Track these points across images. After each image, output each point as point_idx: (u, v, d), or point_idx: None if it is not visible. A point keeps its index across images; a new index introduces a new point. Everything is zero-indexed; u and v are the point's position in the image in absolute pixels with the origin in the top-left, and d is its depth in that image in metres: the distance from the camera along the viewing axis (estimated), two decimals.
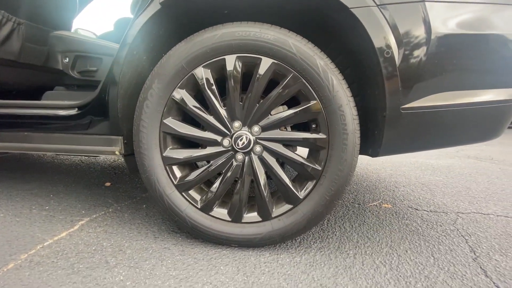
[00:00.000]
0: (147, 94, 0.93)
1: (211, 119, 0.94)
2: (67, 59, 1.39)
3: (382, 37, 0.81)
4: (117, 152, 1.07)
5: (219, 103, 0.93)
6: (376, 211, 1.36)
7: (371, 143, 0.97)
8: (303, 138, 0.92)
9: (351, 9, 0.81)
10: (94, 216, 1.22)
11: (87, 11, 2.39)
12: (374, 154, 0.98)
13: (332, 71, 0.86)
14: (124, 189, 1.60)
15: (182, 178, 0.97)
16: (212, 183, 0.98)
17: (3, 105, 1.19)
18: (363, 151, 1.04)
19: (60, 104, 1.14)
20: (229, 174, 0.95)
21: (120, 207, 1.33)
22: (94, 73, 1.38)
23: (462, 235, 1.12)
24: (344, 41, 0.94)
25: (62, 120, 1.11)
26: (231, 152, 0.95)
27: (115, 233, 1.06)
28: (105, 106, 1.04)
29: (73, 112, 1.11)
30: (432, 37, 0.81)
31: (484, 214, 1.35)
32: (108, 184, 1.68)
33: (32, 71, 1.65)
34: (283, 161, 0.98)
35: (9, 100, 1.21)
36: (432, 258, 0.94)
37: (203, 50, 0.89)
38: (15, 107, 1.17)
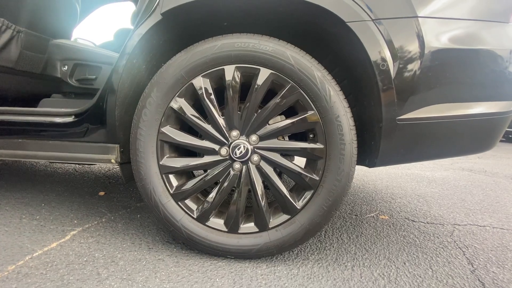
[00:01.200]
0: (146, 102, 0.93)
1: (209, 128, 0.94)
2: (66, 67, 1.39)
3: (378, 50, 0.83)
4: (113, 160, 1.05)
5: (217, 112, 0.93)
6: (373, 222, 1.35)
7: (368, 154, 0.98)
8: (300, 148, 0.92)
9: (348, 23, 0.83)
10: (87, 226, 1.19)
11: (87, 21, 2.42)
12: (371, 165, 0.98)
13: (329, 82, 0.87)
14: (118, 199, 1.57)
15: (178, 187, 0.96)
16: (209, 193, 0.97)
17: None
18: (360, 162, 1.05)
19: (56, 111, 1.13)
20: (226, 183, 0.94)
21: (114, 217, 1.30)
22: (92, 81, 1.39)
23: (459, 247, 1.11)
24: (341, 54, 0.96)
25: (58, 128, 1.10)
26: (229, 161, 0.94)
27: (108, 244, 1.03)
28: (103, 114, 1.04)
29: (69, 119, 1.10)
30: (426, 51, 0.84)
31: (480, 226, 1.35)
32: (102, 193, 1.64)
33: (30, 79, 1.65)
34: (280, 170, 0.97)
35: (4, 107, 1.20)
36: (431, 270, 0.93)
37: (203, 60, 0.90)
38: (10, 114, 1.15)
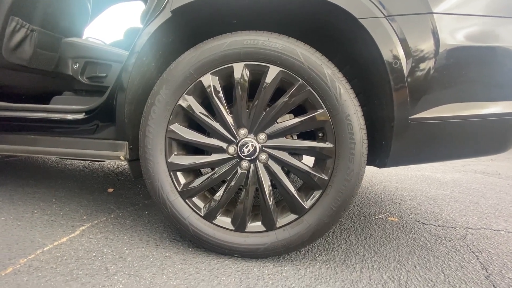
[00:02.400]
0: (155, 99, 0.93)
1: (217, 126, 0.94)
2: (77, 64, 1.41)
3: (391, 48, 0.81)
4: (122, 157, 1.06)
5: (226, 110, 0.93)
6: (382, 224, 1.32)
7: (378, 154, 0.96)
8: (309, 147, 0.91)
9: (360, 20, 0.82)
10: (96, 222, 1.20)
11: (98, 20, 2.45)
12: (381, 165, 0.96)
13: (339, 80, 0.86)
14: (127, 196, 1.58)
15: (186, 184, 0.96)
16: (216, 191, 0.96)
17: (12, 108, 1.20)
18: (370, 162, 1.03)
19: (68, 108, 1.15)
20: (233, 182, 0.93)
21: (122, 213, 1.32)
22: (103, 79, 1.40)
23: (472, 252, 1.08)
24: (352, 51, 0.94)
25: (69, 124, 1.12)
26: (236, 159, 0.94)
27: (116, 240, 1.04)
28: (112, 111, 1.05)
29: (80, 116, 1.12)
30: (441, 49, 0.81)
31: (494, 230, 1.31)
32: (110, 190, 1.67)
33: (42, 77, 1.68)
34: (288, 169, 0.96)
35: (18, 104, 1.22)
36: (443, 274, 0.91)
37: (212, 58, 0.90)
38: (23, 111, 1.18)
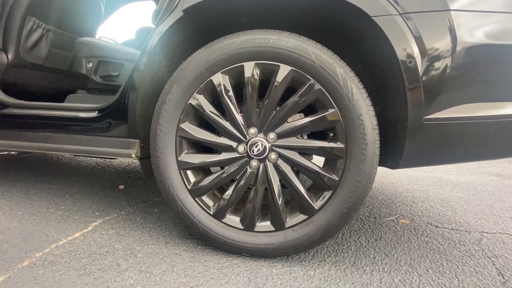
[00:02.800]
0: (166, 98, 0.94)
1: (227, 124, 0.94)
2: (91, 64, 1.44)
3: (405, 46, 0.79)
4: (133, 155, 1.08)
5: (236, 109, 0.93)
6: (393, 226, 1.30)
7: (391, 154, 0.94)
8: (319, 147, 0.90)
9: (373, 18, 0.80)
10: (108, 218, 1.23)
11: (110, 20, 2.50)
12: (393, 166, 0.94)
13: (351, 80, 0.84)
14: (137, 192, 1.61)
15: (196, 183, 0.97)
16: (226, 190, 0.97)
17: (28, 106, 1.24)
18: (382, 162, 1.01)
19: (81, 106, 1.17)
20: (243, 181, 0.93)
21: (133, 210, 1.34)
22: (115, 78, 1.43)
23: (488, 257, 1.04)
24: (365, 50, 0.93)
25: (82, 122, 1.14)
26: (246, 158, 0.94)
27: (127, 236, 1.06)
28: (124, 109, 1.07)
29: (93, 114, 1.14)
30: (458, 47, 0.79)
31: (511, 235, 1.26)
32: (122, 187, 1.70)
33: (57, 75, 1.73)
34: (298, 169, 0.96)
35: (33, 102, 1.26)
36: (456, 280, 0.88)
37: (222, 57, 0.90)
38: (39, 109, 1.21)
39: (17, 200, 1.38)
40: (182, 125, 0.95)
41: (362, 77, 0.90)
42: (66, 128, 1.16)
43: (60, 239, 1.01)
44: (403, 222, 1.35)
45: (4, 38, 1.39)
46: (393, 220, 1.38)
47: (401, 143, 0.87)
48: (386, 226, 1.29)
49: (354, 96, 0.84)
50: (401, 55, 0.80)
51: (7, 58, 1.42)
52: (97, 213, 1.27)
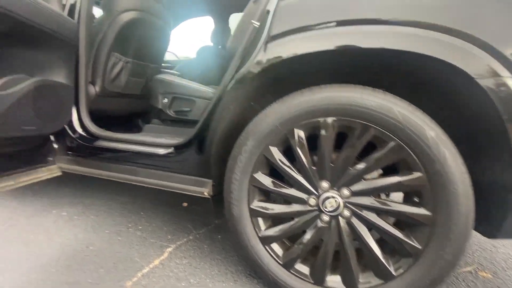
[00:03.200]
0: (241, 149, 0.98)
1: (299, 177, 0.94)
2: (166, 99, 1.57)
3: None
4: (205, 194, 1.15)
5: (309, 163, 0.92)
6: (472, 280, 1.17)
7: (487, 223, 0.84)
8: (400, 211, 0.84)
9: (476, 80, 0.71)
10: (179, 243, 1.34)
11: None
12: (489, 235, 0.84)
13: (444, 144, 0.77)
14: (199, 213, 1.72)
15: (266, 231, 1.00)
16: (296, 240, 0.98)
17: (115, 139, 1.38)
18: (474, 228, 0.91)
19: (158, 142, 1.28)
20: (313, 234, 0.93)
21: (199, 235, 1.44)
22: (187, 113, 1.54)
23: None
24: (463, 111, 0.83)
25: (160, 158, 1.25)
26: (317, 212, 0.93)
27: (199, 269, 1.15)
28: (199, 150, 1.14)
29: (170, 151, 1.24)
30: None
31: None
32: (185, 204, 1.83)
33: (132, 99, 1.92)
34: (375, 230, 0.91)
35: (118, 134, 1.41)
36: None
37: (299, 113, 0.89)
38: (124, 142, 1.35)
39: (103, 216, 1.58)
40: (255, 175, 0.98)
41: (457, 141, 0.82)
42: (146, 162, 1.29)
43: (143, 267, 1.14)
44: (483, 277, 1.21)
45: (92, 73, 1.58)
46: (470, 272, 1.25)
47: (502, 213, 0.78)
48: (464, 280, 1.17)
49: (447, 161, 0.76)
50: (509, 121, 0.70)
51: (95, 90, 1.61)
52: (169, 236, 1.40)
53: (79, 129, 1.37)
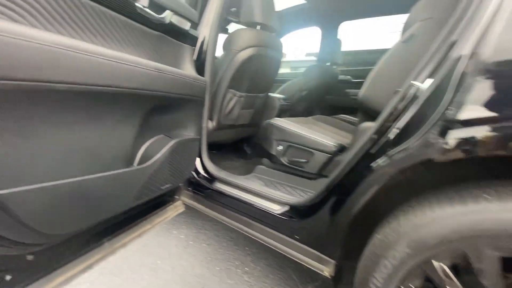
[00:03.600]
0: (388, 253, 0.78)
1: None
2: (281, 147, 1.50)
3: None
4: (325, 272, 1.01)
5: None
6: None
7: None
8: None
9: None
10: None
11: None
12: None
13: None
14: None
15: None
16: None
17: (229, 182, 1.38)
18: None
19: (273, 197, 1.19)
20: None
21: None
22: (303, 164, 1.42)
23: None
24: None
25: (274, 216, 1.17)
26: None
27: None
28: (322, 221, 1.00)
29: (286, 209, 1.14)
30: None
31: None
32: None
33: (240, 128, 1.95)
34: None
35: (232, 176, 1.40)
36: None
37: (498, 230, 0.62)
38: (237, 188, 1.33)
39: (213, 246, 1.67)
40: (402, 286, 0.77)
41: None
42: (260, 218, 1.23)
43: None
44: None
45: (211, 109, 1.64)
46: None
47: None
48: None
49: None
50: None
51: (212, 125, 1.68)
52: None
53: (202, 171, 1.44)
